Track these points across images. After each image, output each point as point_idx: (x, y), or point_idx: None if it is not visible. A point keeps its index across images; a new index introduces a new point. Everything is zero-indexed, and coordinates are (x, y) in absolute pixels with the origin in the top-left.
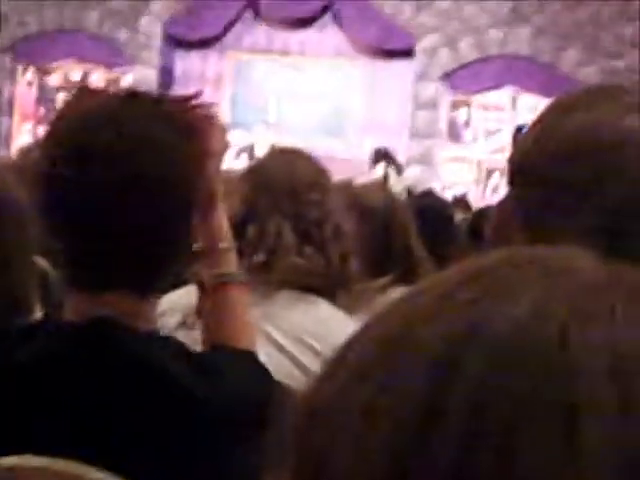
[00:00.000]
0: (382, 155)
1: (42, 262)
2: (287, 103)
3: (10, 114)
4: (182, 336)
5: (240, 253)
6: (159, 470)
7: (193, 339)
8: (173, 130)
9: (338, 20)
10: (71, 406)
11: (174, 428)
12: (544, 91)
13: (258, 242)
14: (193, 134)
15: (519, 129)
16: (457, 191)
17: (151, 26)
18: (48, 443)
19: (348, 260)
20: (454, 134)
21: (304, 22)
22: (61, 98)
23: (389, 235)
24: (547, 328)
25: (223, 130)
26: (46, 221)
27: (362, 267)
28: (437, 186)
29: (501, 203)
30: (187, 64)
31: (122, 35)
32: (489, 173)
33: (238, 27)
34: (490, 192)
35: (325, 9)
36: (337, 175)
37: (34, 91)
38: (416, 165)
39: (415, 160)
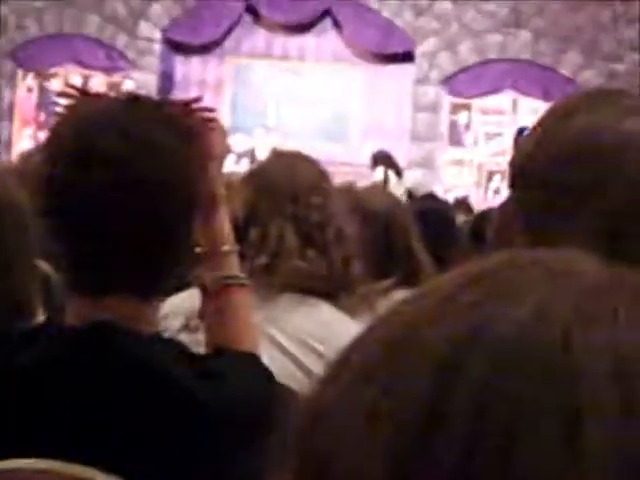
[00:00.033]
0: (381, 158)
1: (44, 266)
2: (286, 108)
3: (10, 119)
4: (185, 339)
5: (242, 256)
6: (161, 472)
7: (196, 342)
8: (174, 134)
9: (337, 25)
10: (73, 409)
11: (176, 430)
12: (544, 94)
13: (260, 245)
14: (194, 138)
15: (520, 132)
16: (458, 194)
17: (151, 31)
18: (50, 446)
19: (350, 263)
20: (455, 137)
21: (303, 27)
22: (61, 103)
23: (391, 238)
24: (550, 331)
25: (224, 133)
26: (48, 225)
27: (364, 270)
28: (438, 189)
29: (502, 206)
30: (187, 69)
31: (122, 40)
32: (490, 176)
33: (237, 32)
34: (491, 195)
35: (324, 14)
36: (338, 179)
37: (34, 96)
38: (417, 168)
39: (416, 164)
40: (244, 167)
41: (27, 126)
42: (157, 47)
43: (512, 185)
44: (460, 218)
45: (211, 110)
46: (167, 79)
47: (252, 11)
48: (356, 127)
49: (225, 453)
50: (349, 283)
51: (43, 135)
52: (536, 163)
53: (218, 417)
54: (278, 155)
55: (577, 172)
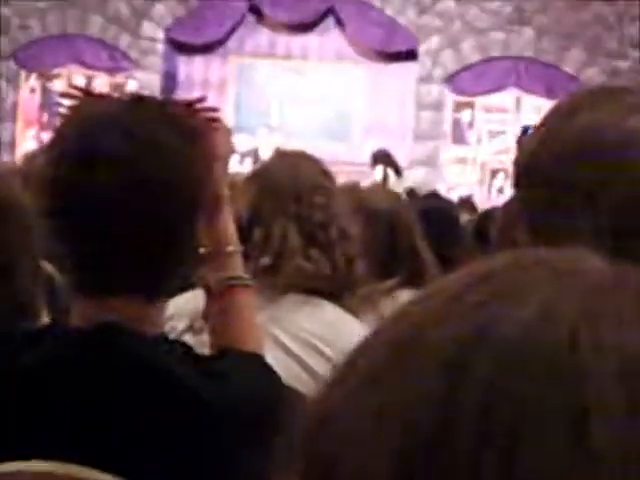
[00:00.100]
0: (381, 157)
1: (48, 267)
2: (290, 107)
3: (13, 120)
4: (189, 340)
5: (246, 256)
6: (166, 472)
7: (201, 343)
8: (178, 134)
9: (340, 23)
10: (78, 410)
11: (181, 430)
12: (547, 92)
13: (264, 245)
14: (198, 138)
15: (524, 131)
16: (461, 192)
17: (154, 31)
18: (54, 447)
19: (354, 263)
20: (458, 136)
21: (306, 26)
22: (65, 104)
23: (395, 237)
24: (555, 330)
25: (228, 133)
26: (52, 226)
27: (368, 269)
28: (441, 187)
29: (507, 205)
30: (190, 69)
31: (125, 40)
32: (493, 174)
33: (241, 31)
34: (495, 193)
35: (327, 13)
36: (341, 178)
37: (37, 97)
38: (420, 167)
39: (419, 162)
40: (247, 167)
41: (30, 127)
42: (160, 47)
43: (516, 184)
44: (464, 217)
45: (215, 110)
46: (170, 79)
47: (255, 11)
48: (359, 126)
49: (229, 452)
50: (353, 283)
51: (46, 136)
52: (540, 161)
53: (222, 416)
54: (281, 155)
55: (580, 170)
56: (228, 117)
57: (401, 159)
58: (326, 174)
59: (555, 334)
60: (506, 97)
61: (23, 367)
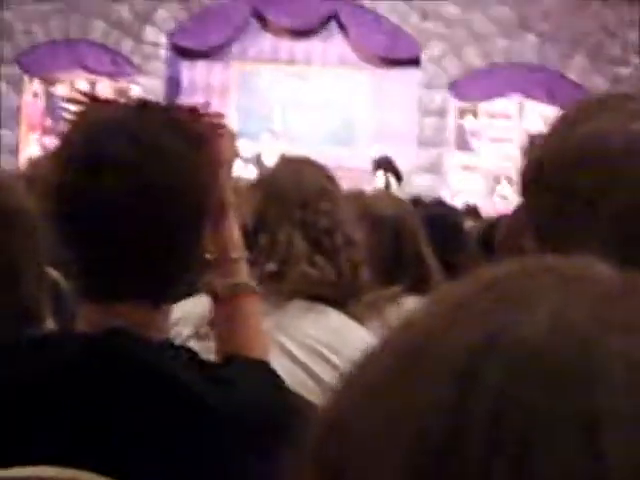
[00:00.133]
0: (382, 163)
1: (54, 273)
2: (293, 112)
3: (17, 124)
4: (194, 346)
5: (251, 263)
6: (170, 477)
7: (206, 349)
8: (183, 139)
9: (343, 29)
10: (83, 415)
11: (185, 436)
12: (551, 99)
13: (270, 251)
14: (203, 143)
15: (530, 140)
16: (465, 199)
17: (156, 36)
18: (59, 453)
19: (359, 269)
20: (461, 142)
21: (309, 31)
22: (71, 109)
23: (400, 244)
24: (565, 338)
25: (232, 138)
26: (57, 231)
27: (373, 276)
28: (445, 194)
29: (513, 213)
30: (193, 74)
31: (127, 45)
32: (497, 180)
33: (243, 37)
34: (498, 200)
35: (330, 18)
36: (345, 184)
37: (40, 101)
38: (424, 173)
39: (423, 168)
40: (250, 172)
41: (33, 131)
42: (163, 52)
43: (523, 192)
44: (468, 223)
45: (220, 115)
46: (174, 84)
47: (258, 16)
48: (363, 131)
49: (234, 458)
50: (358, 289)
51: (49, 140)
52: (545, 169)
53: (228, 422)
54: (286, 161)
55: (584, 177)
56: (231, 122)
57: (405, 165)
58: (331, 180)
59: (565, 342)
60: (509, 103)
61: (29, 373)
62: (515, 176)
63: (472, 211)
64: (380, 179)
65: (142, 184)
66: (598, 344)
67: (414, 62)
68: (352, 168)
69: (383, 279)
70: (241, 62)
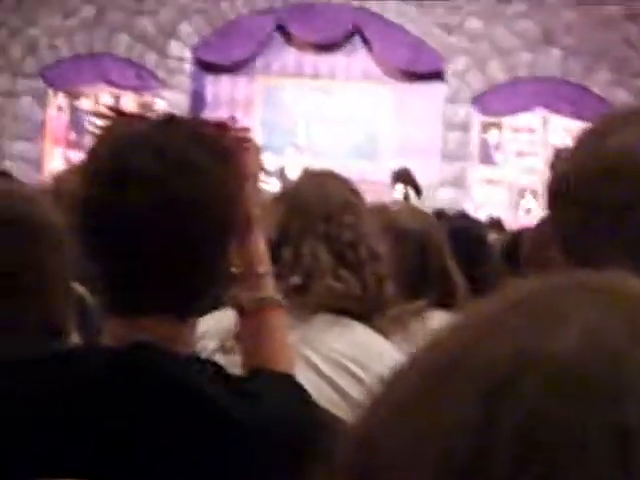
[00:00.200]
0: (401, 176)
1: (79, 289)
2: (317, 126)
3: (41, 138)
4: (220, 360)
5: (274, 276)
6: None
7: (231, 363)
8: (209, 153)
9: (367, 43)
10: (110, 430)
11: (211, 450)
12: (575, 112)
13: (293, 265)
14: (229, 157)
15: (556, 154)
16: (489, 212)
17: (181, 50)
18: (85, 467)
19: (384, 283)
20: (485, 156)
21: (333, 46)
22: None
23: (425, 257)
24: (596, 351)
25: (257, 152)
26: (83, 245)
27: (398, 290)
28: (469, 208)
29: (539, 226)
30: (217, 88)
31: (152, 59)
32: (521, 194)
33: (267, 51)
34: (522, 214)
35: (354, 33)
36: (368, 197)
37: (65, 115)
38: (448, 187)
39: (447, 182)
40: (274, 186)
41: (58, 145)
42: (187, 66)
43: (549, 206)
44: (492, 236)
45: (246, 130)
46: (198, 98)
47: (282, 30)
48: (386, 145)
49: (261, 472)
50: (382, 303)
51: (73, 154)
52: (571, 183)
53: (254, 436)
54: (310, 175)
55: (611, 190)
56: (255, 136)
57: (429, 179)
58: (355, 193)
59: (595, 356)
60: (533, 118)
61: (55, 387)
62: (540, 190)
63: (496, 224)
64: (399, 191)
65: (167, 198)
66: (627, 358)
67: (438, 76)
68: (375, 182)
69: (408, 293)
70: (265, 76)
